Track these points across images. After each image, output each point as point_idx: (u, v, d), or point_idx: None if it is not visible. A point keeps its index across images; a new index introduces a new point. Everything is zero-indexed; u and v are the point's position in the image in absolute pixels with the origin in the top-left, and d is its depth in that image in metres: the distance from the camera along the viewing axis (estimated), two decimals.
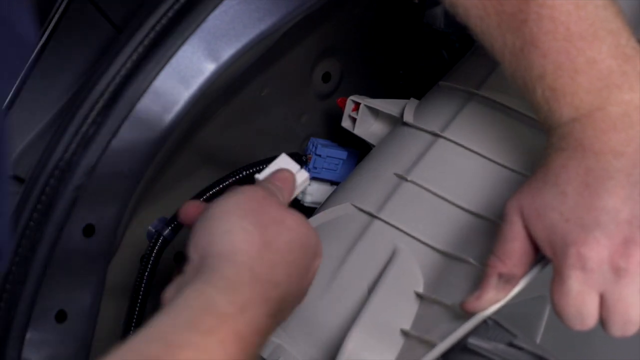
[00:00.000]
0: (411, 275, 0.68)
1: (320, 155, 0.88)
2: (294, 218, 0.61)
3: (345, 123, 0.86)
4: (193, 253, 0.57)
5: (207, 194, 0.86)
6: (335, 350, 0.66)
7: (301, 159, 0.88)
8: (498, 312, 0.65)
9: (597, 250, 0.56)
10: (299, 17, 0.80)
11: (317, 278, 0.71)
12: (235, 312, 0.53)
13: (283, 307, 0.58)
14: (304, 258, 0.60)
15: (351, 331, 0.65)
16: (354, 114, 0.85)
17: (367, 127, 0.85)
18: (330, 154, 0.88)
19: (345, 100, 0.86)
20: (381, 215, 0.72)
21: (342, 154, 0.88)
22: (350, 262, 0.71)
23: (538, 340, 0.78)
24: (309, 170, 0.84)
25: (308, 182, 0.67)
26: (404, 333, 0.65)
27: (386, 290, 0.67)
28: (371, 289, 0.68)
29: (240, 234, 0.57)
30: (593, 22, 0.60)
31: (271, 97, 0.91)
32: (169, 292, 0.56)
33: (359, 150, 0.89)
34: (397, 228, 0.71)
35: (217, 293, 0.54)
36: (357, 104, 0.85)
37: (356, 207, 0.75)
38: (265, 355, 0.69)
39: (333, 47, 0.93)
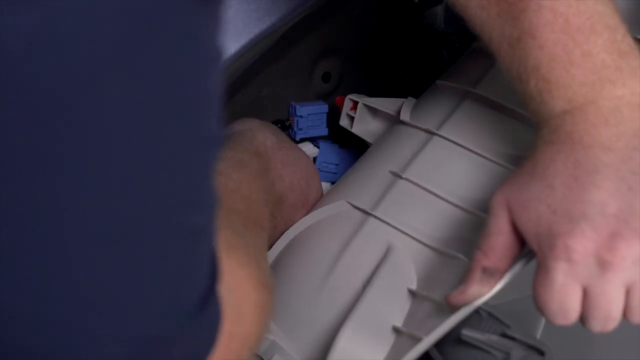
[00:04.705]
0: (405, 272, 0.68)
1: (301, 116, 0.88)
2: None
3: (343, 122, 0.87)
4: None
5: None
6: (328, 347, 0.66)
7: (284, 125, 0.89)
8: (495, 307, 0.65)
9: (583, 243, 0.56)
10: (299, 17, 0.80)
11: (311, 275, 0.72)
12: (260, 171, 0.74)
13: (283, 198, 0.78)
14: (305, 178, 0.81)
15: (343, 328, 0.65)
16: (352, 113, 0.85)
17: (365, 126, 0.85)
18: (311, 112, 0.88)
19: (344, 99, 0.86)
20: (375, 213, 0.72)
21: (322, 107, 0.88)
22: (344, 259, 0.71)
23: (538, 338, 0.78)
24: (295, 134, 0.88)
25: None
26: (396, 330, 0.65)
27: (379, 287, 0.67)
28: (365, 286, 0.68)
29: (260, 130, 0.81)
30: (591, 15, 0.60)
31: (271, 97, 0.91)
32: None
33: (358, 149, 0.89)
34: (392, 225, 0.71)
35: (247, 154, 0.75)
36: (355, 103, 0.85)
37: (351, 204, 0.75)
38: (259, 352, 0.70)
39: (333, 47, 0.94)
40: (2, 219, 0.37)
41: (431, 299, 0.65)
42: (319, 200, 0.82)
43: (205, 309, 0.45)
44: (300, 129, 0.88)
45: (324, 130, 0.89)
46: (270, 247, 0.77)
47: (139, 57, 0.38)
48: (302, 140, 0.89)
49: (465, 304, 0.61)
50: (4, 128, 0.36)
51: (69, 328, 0.40)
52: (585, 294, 0.57)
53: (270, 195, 0.74)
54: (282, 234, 0.78)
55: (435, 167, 0.73)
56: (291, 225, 0.78)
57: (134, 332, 0.42)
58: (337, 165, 0.90)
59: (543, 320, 0.77)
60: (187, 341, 0.45)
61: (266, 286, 0.56)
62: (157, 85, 0.39)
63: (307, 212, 0.80)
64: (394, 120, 0.82)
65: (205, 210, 0.44)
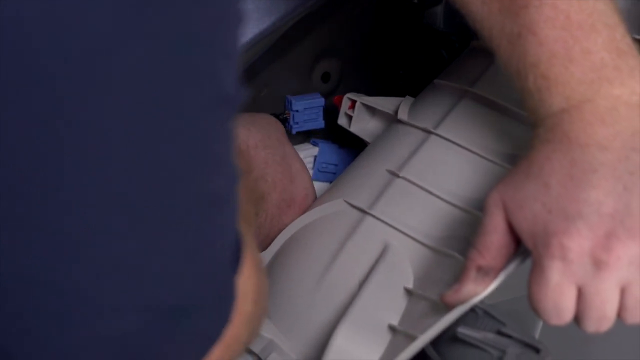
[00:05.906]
0: (401, 271, 0.68)
1: (297, 110, 0.87)
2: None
3: (342, 121, 0.87)
4: None
5: None
6: (325, 345, 0.66)
7: (279, 118, 0.88)
8: (493, 306, 0.65)
9: (578, 242, 0.56)
10: (299, 17, 0.80)
11: (308, 273, 0.72)
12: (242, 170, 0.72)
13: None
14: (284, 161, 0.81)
15: (339, 326, 0.65)
16: (350, 112, 0.85)
17: (363, 125, 0.85)
18: (307, 105, 0.87)
19: (342, 98, 0.86)
20: (372, 212, 0.72)
21: (319, 101, 0.87)
22: (341, 258, 0.71)
23: (536, 337, 0.78)
24: (291, 128, 0.87)
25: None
26: (392, 328, 0.65)
27: (376, 286, 0.67)
28: (362, 285, 0.68)
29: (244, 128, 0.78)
30: (592, 13, 0.60)
31: (270, 97, 0.91)
32: None
33: (357, 150, 0.89)
34: (388, 224, 0.71)
35: None
36: (354, 102, 0.85)
37: (348, 203, 0.75)
38: (257, 351, 0.70)
39: (333, 47, 0.94)
40: (2, 219, 0.37)
41: (427, 297, 0.65)
42: (314, 198, 0.82)
43: (231, 278, 0.45)
44: (297, 123, 0.87)
45: (320, 123, 0.88)
46: (266, 247, 0.78)
47: (140, 56, 0.38)
48: (299, 133, 0.89)
49: (460, 302, 0.60)
50: (4, 128, 0.36)
51: (84, 299, 0.40)
52: (580, 294, 0.57)
53: (252, 194, 0.74)
54: (268, 233, 0.78)
55: (432, 166, 0.73)
56: (277, 225, 0.78)
57: (151, 301, 0.41)
58: (336, 165, 0.90)
59: (542, 320, 0.77)
60: (209, 311, 0.45)
61: (262, 271, 0.56)
62: (158, 82, 0.39)
63: (298, 211, 0.80)
64: (392, 119, 0.82)
65: (225, 175, 0.44)
